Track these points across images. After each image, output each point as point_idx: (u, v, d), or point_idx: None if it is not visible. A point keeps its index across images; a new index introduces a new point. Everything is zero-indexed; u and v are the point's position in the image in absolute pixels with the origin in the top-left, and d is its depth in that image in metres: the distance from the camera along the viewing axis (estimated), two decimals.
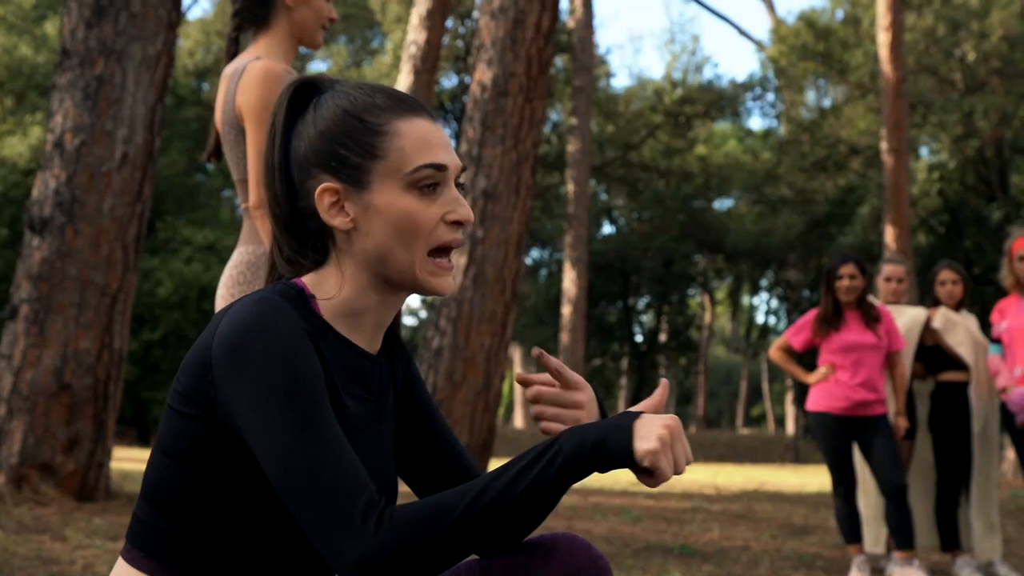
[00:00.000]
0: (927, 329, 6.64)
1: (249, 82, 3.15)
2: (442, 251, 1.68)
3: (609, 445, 1.51)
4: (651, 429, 1.51)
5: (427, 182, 1.64)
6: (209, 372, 1.56)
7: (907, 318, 6.61)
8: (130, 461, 14.10)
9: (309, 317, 1.64)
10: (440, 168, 1.65)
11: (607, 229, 37.89)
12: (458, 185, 1.70)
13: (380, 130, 1.65)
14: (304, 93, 1.72)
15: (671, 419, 1.53)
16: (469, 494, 1.48)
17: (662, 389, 1.77)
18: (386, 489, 1.72)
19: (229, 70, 3.27)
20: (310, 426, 1.50)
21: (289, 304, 1.61)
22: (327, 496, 1.46)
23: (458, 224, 1.67)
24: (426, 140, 1.65)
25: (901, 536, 5.95)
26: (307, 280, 1.69)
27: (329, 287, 1.68)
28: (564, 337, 25.66)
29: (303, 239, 1.71)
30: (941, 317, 6.61)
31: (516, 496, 1.49)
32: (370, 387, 1.71)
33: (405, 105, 1.68)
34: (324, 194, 1.65)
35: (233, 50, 3.38)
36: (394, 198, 1.63)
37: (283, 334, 1.54)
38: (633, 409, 1.62)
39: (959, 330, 6.59)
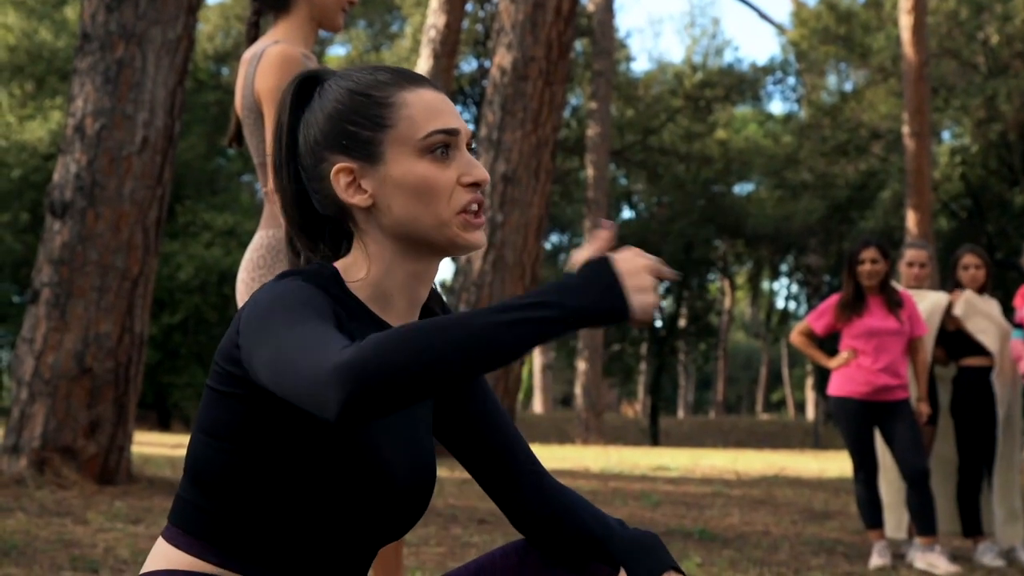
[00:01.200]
0: (948, 314, 6.61)
1: (267, 66, 3.14)
2: (466, 211, 1.67)
3: (602, 312, 1.46)
4: (639, 281, 1.48)
5: (440, 147, 1.65)
6: (237, 339, 1.58)
7: (928, 303, 6.58)
8: (151, 445, 14.16)
9: (343, 297, 1.65)
10: (451, 133, 1.66)
11: (627, 214, 37.81)
12: (470, 150, 1.71)
13: (387, 102, 1.65)
14: (307, 87, 1.73)
15: (642, 262, 1.49)
16: (449, 324, 1.40)
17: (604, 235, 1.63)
18: (423, 469, 1.72)
19: (248, 54, 3.26)
20: (299, 320, 1.47)
21: (318, 285, 1.62)
22: (309, 355, 1.41)
23: (475, 185, 1.67)
24: (433, 107, 1.66)
25: (922, 522, 5.92)
26: (339, 264, 1.70)
27: (357, 269, 1.69)
28: None
29: (320, 229, 1.72)
30: (963, 302, 6.56)
31: (500, 336, 1.41)
32: None
33: (407, 77, 1.69)
34: (339, 174, 1.65)
35: (253, 34, 3.37)
36: (409, 166, 1.64)
37: (294, 288, 1.55)
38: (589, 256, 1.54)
39: (981, 315, 6.55)
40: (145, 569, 1.68)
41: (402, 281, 1.69)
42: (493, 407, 1.82)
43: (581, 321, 1.45)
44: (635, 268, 1.48)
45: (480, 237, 1.67)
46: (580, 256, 1.56)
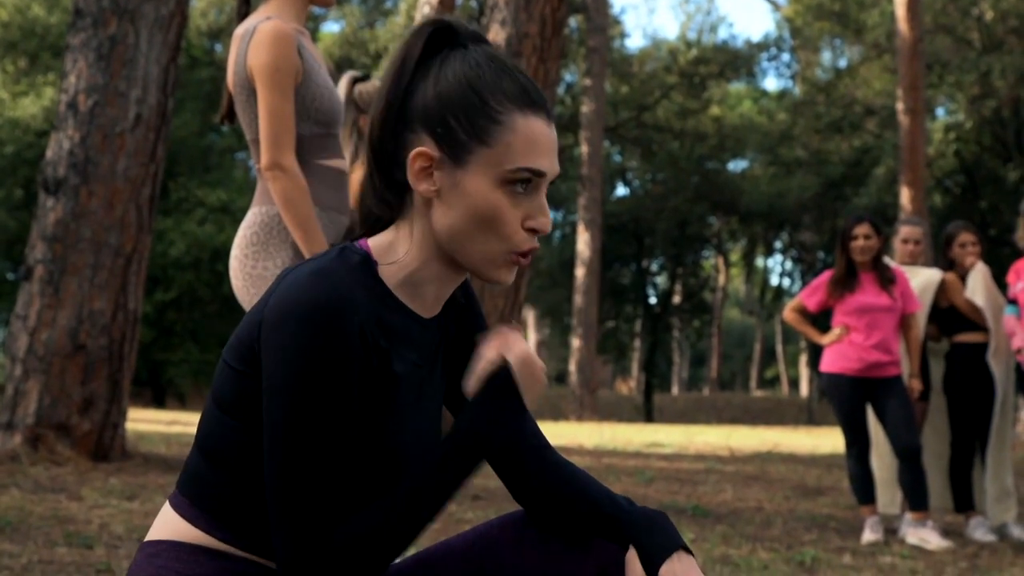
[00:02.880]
0: (942, 290, 6.62)
1: (259, 43, 3.14)
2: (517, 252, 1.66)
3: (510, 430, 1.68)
4: (536, 388, 1.68)
5: (521, 183, 1.62)
6: (257, 331, 1.58)
7: (921, 279, 6.59)
8: (145, 422, 14.17)
9: (371, 284, 1.63)
10: (539, 175, 1.63)
11: (621, 191, 37.80)
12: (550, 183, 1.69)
13: (497, 117, 1.61)
14: (440, 38, 1.67)
15: (537, 367, 1.67)
16: (392, 512, 1.59)
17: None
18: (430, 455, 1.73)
19: (240, 31, 3.25)
20: (306, 434, 1.54)
21: (350, 273, 1.60)
22: (291, 510, 1.55)
23: (533, 231, 1.65)
24: (537, 142, 1.62)
25: (914, 497, 5.95)
26: (373, 243, 1.68)
27: (397, 250, 1.67)
28: (578, 299, 25.67)
29: (390, 184, 1.67)
30: (981, 274, 6.55)
31: (442, 500, 1.64)
32: (423, 353, 1.70)
33: (529, 99, 1.64)
34: (418, 157, 1.61)
35: (244, 11, 3.36)
36: (485, 188, 1.61)
37: (326, 325, 1.53)
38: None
39: (989, 289, 6.56)
40: (152, 536, 1.69)
41: (435, 276, 1.68)
42: None
43: (493, 443, 1.65)
44: (532, 380, 1.67)
45: (510, 277, 1.68)
46: (481, 371, 1.68)
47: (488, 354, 1.66)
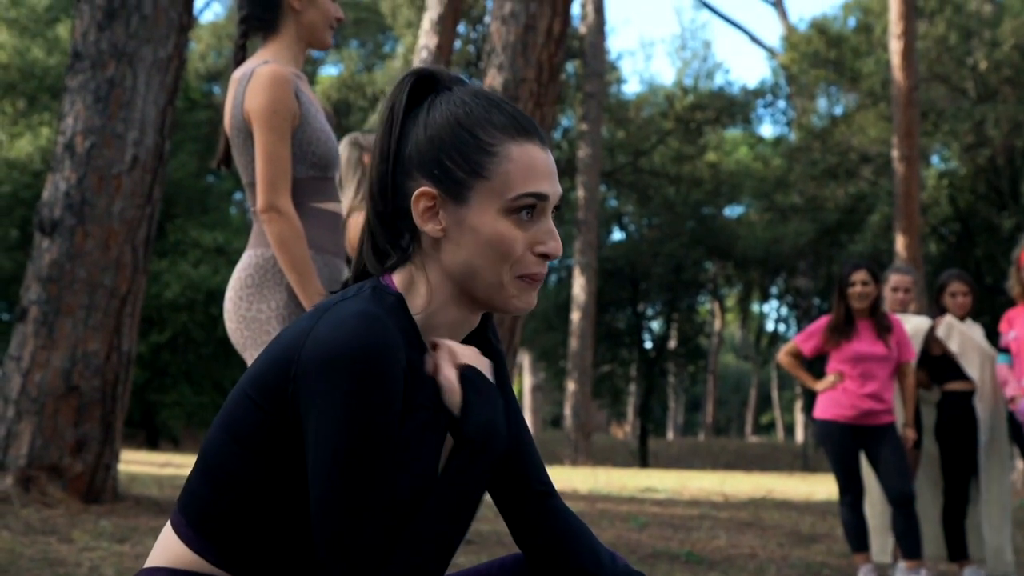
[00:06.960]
0: (933, 337, 6.63)
1: (257, 86, 3.16)
2: (527, 276, 1.68)
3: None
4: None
5: (525, 209, 1.64)
6: (292, 369, 1.57)
7: (911, 326, 6.60)
8: (138, 464, 14.12)
9: (406, 326, 1.64)
10: (541, 198, 1.64)
11: (617, 235, 37.83)
12: (555, 209, 1.70)
13: (490, 150, 1.63)
14: (423, 87, 1.70)
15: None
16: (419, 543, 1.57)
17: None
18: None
19: (238, 74, 3.28)
20: (362, 479, 1.53)
21: (389, 314, 1.61)
22: (350, 553, 1.53)
23: (545, 256, 1.67)
24: (533, 167, 1.64)
25: (908, 545, 5.93)
26: (397, 283, 1.69)
27: (419, 295, 1.68)
28: (573, 343, 25.65)
29: (395, 234, 1.70)
30: (945, 326, 6.59)
31: (467, 509, 1.62)
32: (428, 393, 1.70)
33: (519, 127, 1.66)
34: (421, 198, 1.64)
35: (240, 57, 3.39)
36: (489, 220, 1.63)
37: (376, 370, 1.53)
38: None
39: (964, 339, 6.57)
40: (155, 562, 1.68)
41: (451, 322, 1.70)
42: (516, 421, 1.82)
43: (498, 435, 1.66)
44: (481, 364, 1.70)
45: (531, 301, 1.70)
46: (448, 370, 1.67)
47: (447, 373, 1.67)
